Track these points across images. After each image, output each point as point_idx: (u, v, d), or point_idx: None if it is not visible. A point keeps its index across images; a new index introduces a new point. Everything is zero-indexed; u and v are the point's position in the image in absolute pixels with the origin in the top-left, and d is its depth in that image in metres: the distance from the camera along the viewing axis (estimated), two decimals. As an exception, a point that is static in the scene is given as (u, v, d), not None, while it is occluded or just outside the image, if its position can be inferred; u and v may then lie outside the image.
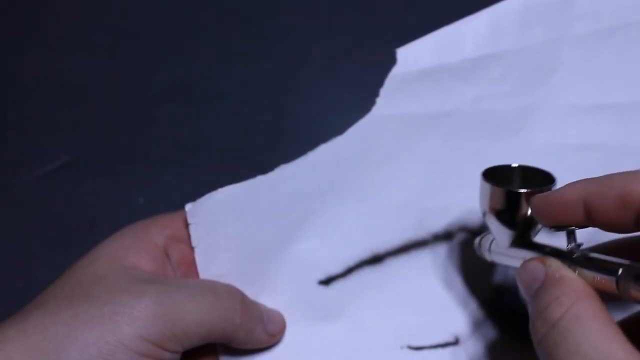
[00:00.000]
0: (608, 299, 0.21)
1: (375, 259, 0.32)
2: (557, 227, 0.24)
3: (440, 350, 0.30)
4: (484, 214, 0.27)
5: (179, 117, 0.40)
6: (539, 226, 0.26)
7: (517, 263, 0.25)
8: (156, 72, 0.42)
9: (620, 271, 0.20)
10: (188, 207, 0.32)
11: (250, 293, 0.30)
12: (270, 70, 0.41)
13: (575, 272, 0.22)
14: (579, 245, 0.23)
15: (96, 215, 0.38)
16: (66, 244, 0.37)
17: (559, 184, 0.32)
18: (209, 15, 0.44)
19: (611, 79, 0.33)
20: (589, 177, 0.28)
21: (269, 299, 0.31)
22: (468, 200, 0.29)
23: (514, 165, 0.28)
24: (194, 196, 0.32)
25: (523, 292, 0.24)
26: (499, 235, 0.27)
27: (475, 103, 0.33)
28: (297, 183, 0.32)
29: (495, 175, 0.27)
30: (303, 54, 0.42)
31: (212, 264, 0.31)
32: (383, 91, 0.32)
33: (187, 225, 0.31)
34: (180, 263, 0.31)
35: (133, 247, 0.29)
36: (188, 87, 0.41)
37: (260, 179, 0.32)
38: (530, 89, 0.33)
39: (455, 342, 0.30)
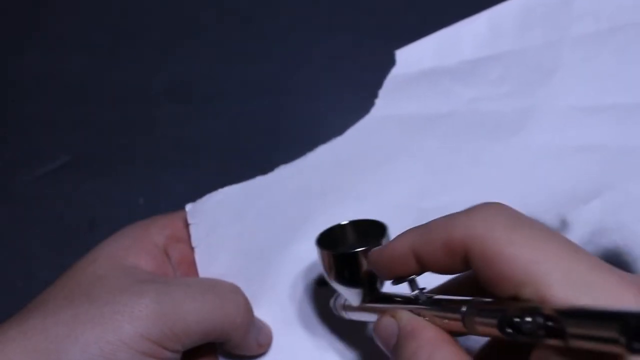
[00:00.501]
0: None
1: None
2: (398, 279, 0.24)
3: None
4: (327, 279, 0.27)
5: (179, 117, 0.40)
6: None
7: (372, 318, 0.25)
8: (156, 72, 0.42)
9: (463, 308, 0.21)
10: (188, 207, 0.32)
11: (250, 293, 0.30)
12: (270, 70, 0.41)
13: (425, 318, 0.22)
14: (422, 289, 0.23)
15: (96, 215, 0.38)
16: (66, 244, 0.37)
17: (559, 186, 0.32)
18: (209, 15, 0.44)
19: (611, 79, 0.33)
20: (587, 178, 0.28)
21: (268, 299, 0.31)
22: (467, 201, 0.29)
23: (344, 222, 0.28)
24: (194, 196, 0.32)
25: (383, 349, 0.24)
26: (348, 295, 0.27)
27: (474, 104, 0.33)
28: (296, 183, 0.32)
29: (330, 237, 0.27)
30: (303, 54, 0.42)
31: (211, 264, 0.31)
32: (382, 92, 0.32)
33: (187, 225, 0.31)
34: (181, 263, 0.31)
35: (133, 247, 0.29)
36: (188, 87, 0.41)
37: (260, 180, 0.32)
38: (529, 90, 0.33)
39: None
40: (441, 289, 0.25)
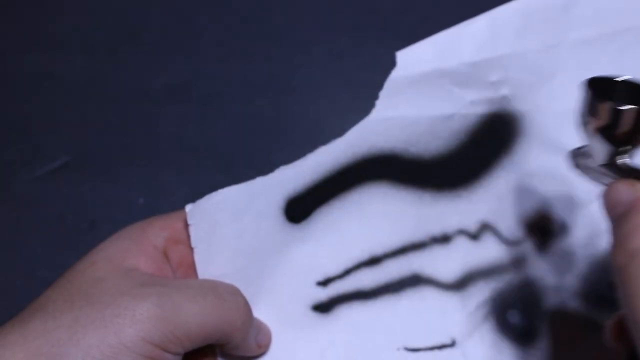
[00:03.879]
0: None
1: (373, 261, 0.32)
2: None
3: (436, 352, 0.30)
4: (584, 126, 0.25)
5: (179, 117, 0.40)
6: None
7: (606, 181, 0.24)
8: (156, 72, 0.42)
9: None
10: (188, 208, 0.32)
11: (249, 294, 0.30)
12: (270, 70, 0.41)
13: None
14: None
15: (96, 216, 0.38)
16: (66, 244, 0.37)
17: (558, 189, 0.32)
18: (208, 15, 0.44)
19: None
20: (586, 181, 0.28)
21: (267, 300, 0.31)
22: (466, 204, 0.29)
23: (620, 78, 0.25)
24: (194, 196, 0.32)
25: (606, 215, 0.22)
26: (597, 150, 0.25)
27: (473, 107, 0.33)
28: (296, 185, 0.32)
29: (599, 86, 0.25)
30: (303, 54, 0.42)
31: (211, 265, 0.31)
32: (382, 94, 0.32)
33: (186, 226, 0.31)
34: (180, 265, 0.31)
35: (132, 249, 0.29)
36: (188, 87, 0.41)
37: (260, 181, 0.32)
38: (528, 93, 0.33)
39: (452, 344, 0.30)
40: None
